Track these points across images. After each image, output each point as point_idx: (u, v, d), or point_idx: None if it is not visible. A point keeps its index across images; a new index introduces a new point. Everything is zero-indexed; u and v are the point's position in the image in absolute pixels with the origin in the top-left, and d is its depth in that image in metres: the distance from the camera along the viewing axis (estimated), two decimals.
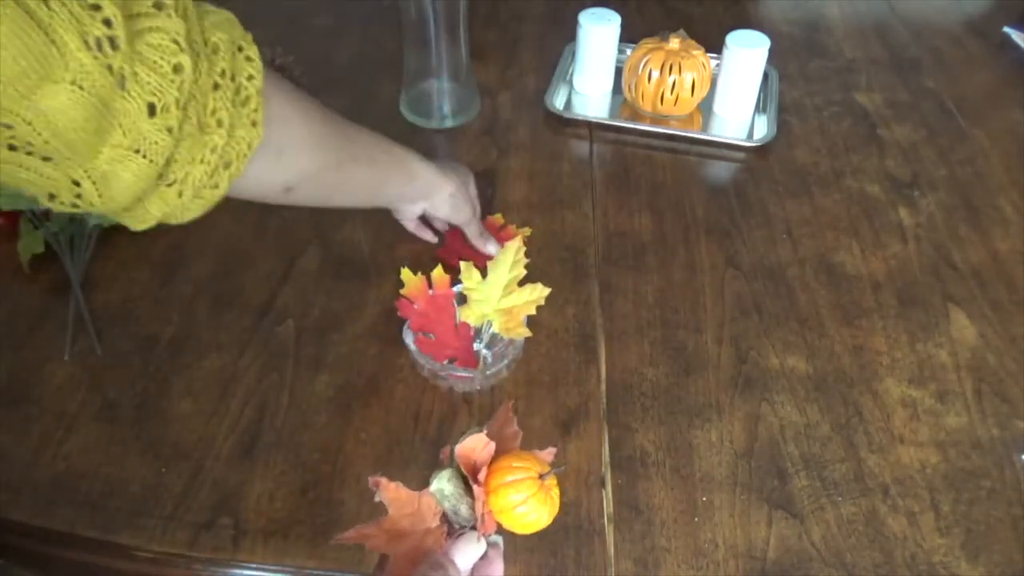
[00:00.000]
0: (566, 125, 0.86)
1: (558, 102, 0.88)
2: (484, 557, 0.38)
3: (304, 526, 0.51)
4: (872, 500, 0.53)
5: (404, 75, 0.84)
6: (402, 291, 0.59)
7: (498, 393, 0.59)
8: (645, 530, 0.51)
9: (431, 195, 0.61)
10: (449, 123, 0.84)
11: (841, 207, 0.76)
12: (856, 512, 0.52)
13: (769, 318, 0.65)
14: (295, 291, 0.66)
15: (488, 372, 0.58)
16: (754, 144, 0.82)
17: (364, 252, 0.70)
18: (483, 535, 0.38)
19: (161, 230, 0.70)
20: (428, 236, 0.69)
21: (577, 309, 0.65)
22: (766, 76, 0.89)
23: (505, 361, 0.58)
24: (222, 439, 0.55)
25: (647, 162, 0.81)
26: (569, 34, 0.90)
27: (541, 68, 0.93)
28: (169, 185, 0.37)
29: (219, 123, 0.37)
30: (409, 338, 0.59)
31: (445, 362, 0.58)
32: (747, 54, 0.82)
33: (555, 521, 0.50)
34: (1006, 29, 1.04)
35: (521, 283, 0.58)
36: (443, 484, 0.39)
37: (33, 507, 0.51)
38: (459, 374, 0.57)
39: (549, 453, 0.43)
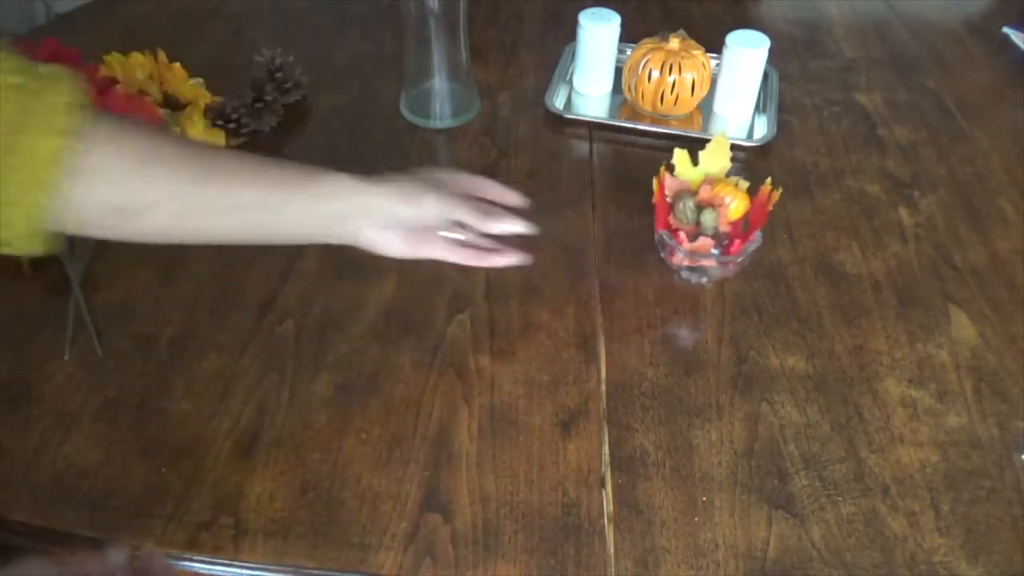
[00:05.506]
0: (566, 125, 0.85)
1: (558, 102, 0.88)
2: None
3: (304, 526, 0.51)
4: (872, 500, 0.53)
5: (404, 75, 0.84)
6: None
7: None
8: (645, 530, 0.51)
9: (367, 207, 0.51)
10: (449, 123, 0.84)
11: (841, 207, 0.76)
12: (856, 512, 0.52)
13: (769, 318, 0.65)
14: (295, 291, 0.66)
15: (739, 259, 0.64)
16: (754, 144, 0.82)
17: (364, 252, 0.69)
18: None
19: None
20: (476, 260, 0.57)
21: (577, 309, 0.65)
22: (766, 76, 0.89)
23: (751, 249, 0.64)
24: (222, 439, 0.55)
25: (647, 162, 0.81)
26: (569, 34, 0.90)
27: (541, 68, 0.93)
28: None
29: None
30: (665, 235, 0.65)
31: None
32: (747, 54, 0.82)
33: (555, 521, 0.51)
34: (1006, 29, 1.04)
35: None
36: (685, 204, 0.65)
37: (33, 507, 0.51)
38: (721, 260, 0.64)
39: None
